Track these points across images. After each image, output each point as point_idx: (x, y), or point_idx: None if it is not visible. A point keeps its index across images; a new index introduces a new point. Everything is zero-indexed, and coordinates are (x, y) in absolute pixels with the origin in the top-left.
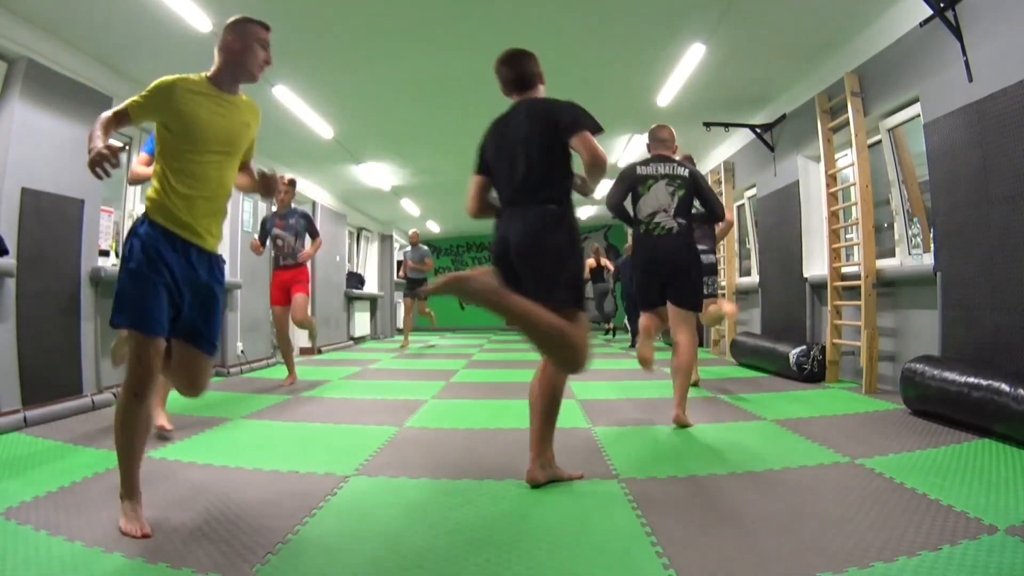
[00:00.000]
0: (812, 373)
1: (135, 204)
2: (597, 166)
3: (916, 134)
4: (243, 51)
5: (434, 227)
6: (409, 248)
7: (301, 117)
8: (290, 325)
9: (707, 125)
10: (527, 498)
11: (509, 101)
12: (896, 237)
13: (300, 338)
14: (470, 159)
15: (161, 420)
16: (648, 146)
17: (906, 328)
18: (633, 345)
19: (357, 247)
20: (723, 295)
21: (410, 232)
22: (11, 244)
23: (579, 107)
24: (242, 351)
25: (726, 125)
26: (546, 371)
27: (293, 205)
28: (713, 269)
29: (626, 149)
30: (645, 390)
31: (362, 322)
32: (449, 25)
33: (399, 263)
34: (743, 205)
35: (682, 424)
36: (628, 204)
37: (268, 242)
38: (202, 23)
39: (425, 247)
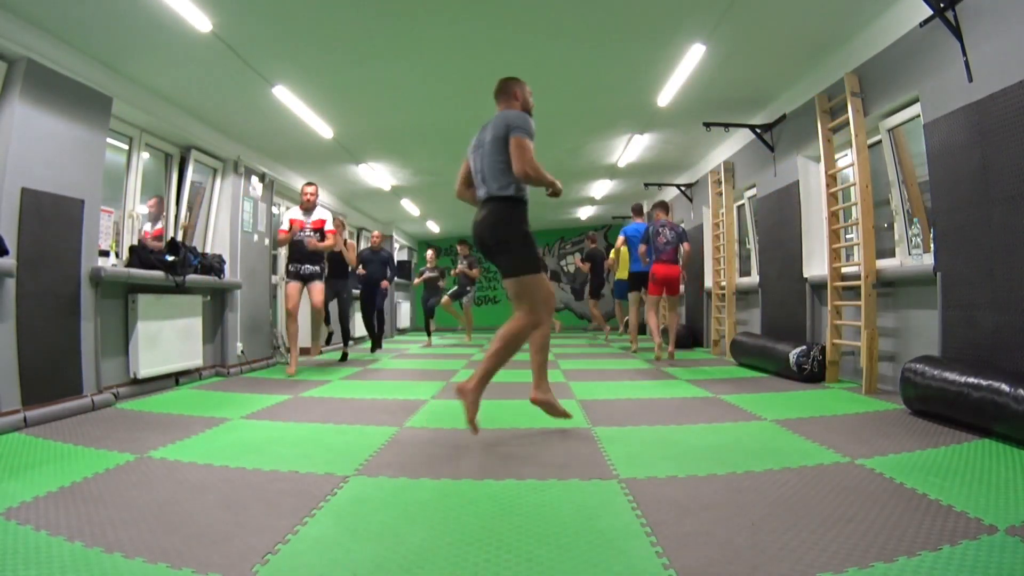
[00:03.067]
0: (812, 373)
1: (135, 204)
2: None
3: (916, 134)
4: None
5: (434, 227)
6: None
7: (301, 117)
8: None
9: (707, 125)
10: (527, 498)
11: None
12: (896, 237)
13: (302, 338)
14: None
15: None
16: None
17: (906, 328)
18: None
19: (358, 247)
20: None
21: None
22: (11, 244)
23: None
24: (242, 351)
25: (726, 125)
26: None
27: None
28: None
29: (626, 149)
30: (645, 390)
31: (362, 323)
32: (449, 25)
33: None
34: (743, 205)
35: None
36: None
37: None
38: (202, 23)
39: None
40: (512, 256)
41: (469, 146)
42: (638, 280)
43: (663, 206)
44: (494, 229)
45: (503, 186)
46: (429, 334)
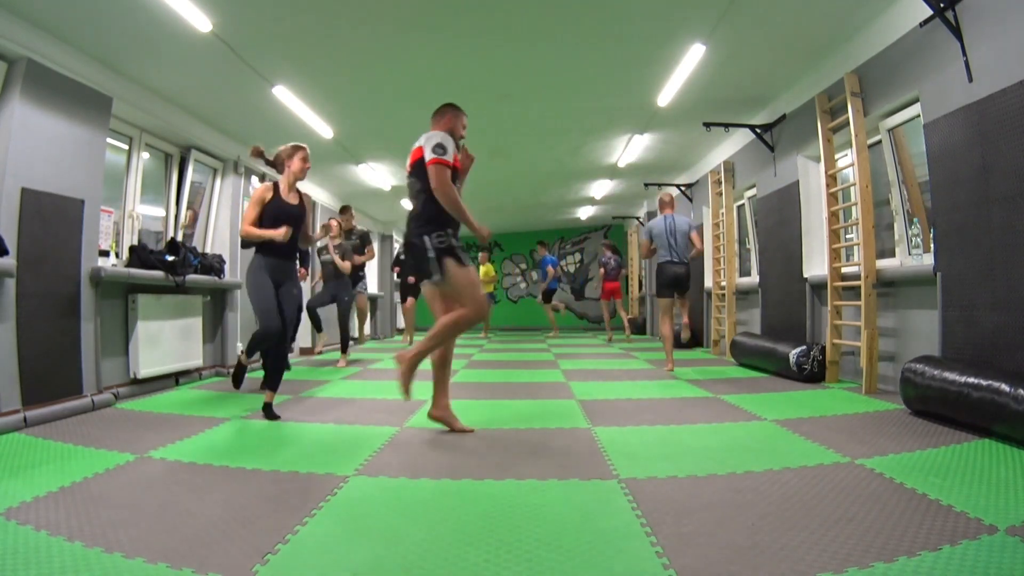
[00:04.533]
0: (812, 373)
1: (135, 204)
2: None
3: (916, 134)
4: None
5: None
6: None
7: (301, 117)
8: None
9: (707, 125)
10: (527, 498)
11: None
12: (896, 237)
13: (302, 337)
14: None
15: None
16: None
17: (906, 328)
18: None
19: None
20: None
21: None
22: (11, 244)
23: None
24: (242, 351)
25: (726, 125)
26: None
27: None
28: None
29: (626, 149)
30: (645, 390)
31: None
32: (449, 25)
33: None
34: (743, 205)
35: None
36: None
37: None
38: (202, 23)
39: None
40: (689, 287)
41: (656, 229)
42: (550, 295)
43: (613, 248)
44: (689, 279)
45: (688, 258)
46: (345, 349)
